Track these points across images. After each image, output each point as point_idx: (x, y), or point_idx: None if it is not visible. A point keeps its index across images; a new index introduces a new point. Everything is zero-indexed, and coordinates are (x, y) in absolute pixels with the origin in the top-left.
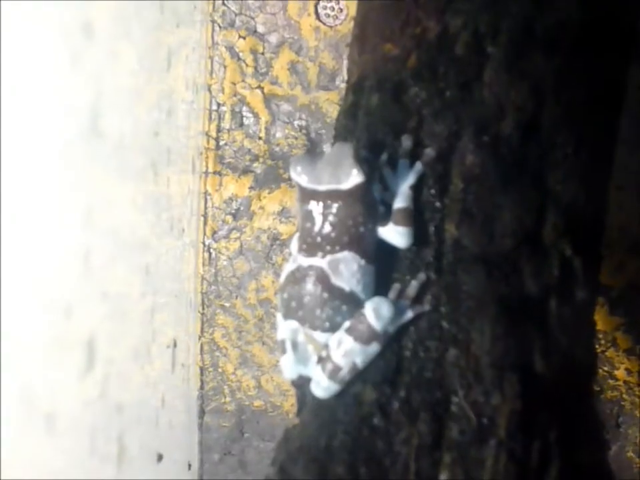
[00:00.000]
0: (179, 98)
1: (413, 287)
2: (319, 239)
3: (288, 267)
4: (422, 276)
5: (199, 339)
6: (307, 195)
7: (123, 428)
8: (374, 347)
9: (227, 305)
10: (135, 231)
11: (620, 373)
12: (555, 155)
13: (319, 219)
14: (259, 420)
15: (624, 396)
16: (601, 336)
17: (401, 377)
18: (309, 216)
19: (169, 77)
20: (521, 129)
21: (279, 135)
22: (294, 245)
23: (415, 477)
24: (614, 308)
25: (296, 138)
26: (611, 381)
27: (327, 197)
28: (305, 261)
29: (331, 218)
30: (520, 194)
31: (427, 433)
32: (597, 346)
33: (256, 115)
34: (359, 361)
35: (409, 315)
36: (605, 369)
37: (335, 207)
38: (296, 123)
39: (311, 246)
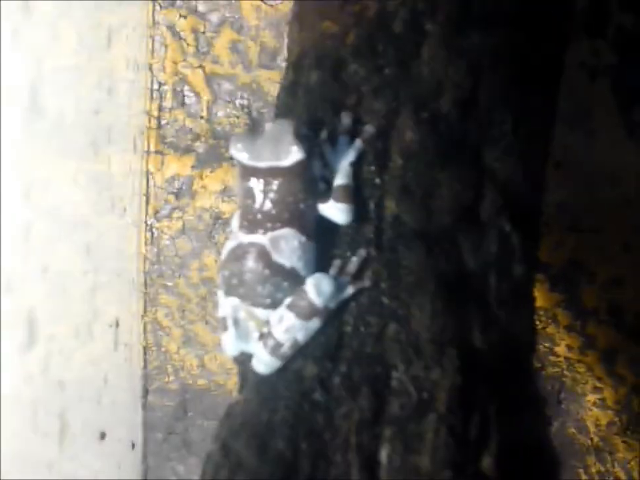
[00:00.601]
0: (119, 77)
1: (354, 263)
2: (259, 216)
3: (229, 244)
4: (362, 252)
5: (142, 318)
6: (247, 172)
7: (65, 405)
8: (315, 323)
9: (170, 284)
10: (75, 209)
11: (561, 349)
12: (493, 132)
13: (259, 196)
14: (202, 399)
15: (565, 372)
16: (541, 312)
17: (341, 352)
18: (249, 193)
19: (110, 55)
20: (459, 106)
21: (220, 114)
22: (235, 221)
23: (355, 451)
24: (554, 285)
25: (237, 117)
26: (551, 357)
27: (267, 174)
28: (246, 238)
29: (271, 195)
30: (458, 170)
31: (367, 407)
32: (537, 322)
33: (197, 94)
34: (300, 337)
35: (350, 290)
36: (546, 345)
37: (275, 184)
38: (237, 102)
39: (251, 223)
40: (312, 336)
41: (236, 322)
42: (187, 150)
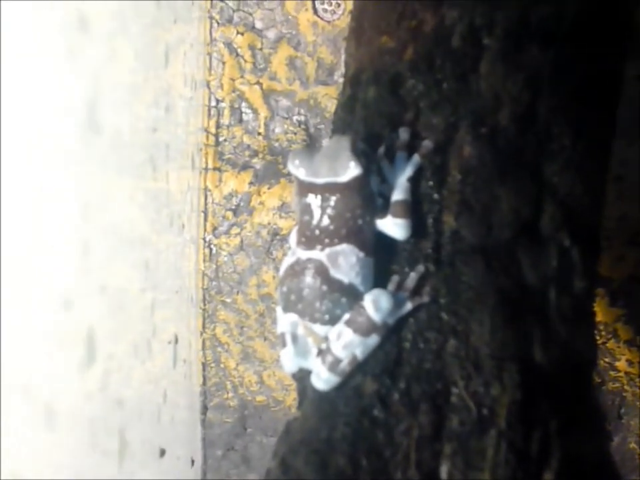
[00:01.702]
0: (177, 94)
1: (412, 278)
2: (317, 232)
3: (287, 260)
4: (420, 268)
5: (201, 334)
6: (305, 188)
7: (124, 423)
8: (373, 339)
9: (228, 300)
10: (134, 226)
11: (621, 364)
12: (552, 146)
13: (317, 212)
14: (261, 415)
15: (625, 387)
16: (601, 327)
17: (400, 368)
18: (307, 209)
19: (167, 73)
20: (518, 121)
21: (278, 130)
22: (293, 238)
23: (415, 468)
24: (614, 299)
25: (295, 133)
26: (612, 373)
27: (325, 189)
28: (304, 254)
29: (329, 211)
30: (517, 185)
31: (427, 424)
32: (597, 337)
33: (255, 111)
34: (359, 353)
35: (408, 306)
36: (606, 360)
37: (333, 199)
38: (295, 118)
39: (309, 239)
40: (371, 352)
41: (294, 338)
42: (245, 166)
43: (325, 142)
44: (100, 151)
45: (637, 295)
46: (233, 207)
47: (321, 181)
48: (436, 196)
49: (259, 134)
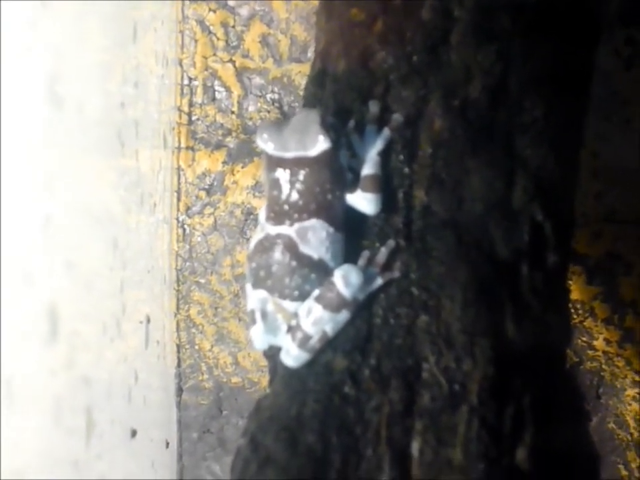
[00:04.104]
0: (147, 72)
1: (382, 253)
2: (286, 207)
3: (256, 236)
4: (391, 243)
5: (175, 316)
6: (274, 163)
7: (92, 402)
8: (344, 315)
9: (202, 281)
10: (101, 203)
11: (599, 343)
12: (523, 119)
13: (286, 187)
14: (237, 397)
15: (603, 367)
16: (578, 306)
17: (371, 344)
18: (276, 184)
19: (136, 50)
20: (489, 93)
21: (251, 108)
22: (262, 213)
23: (386, 444)
24: (591, 277)
25: (269, 111)
26: (589, 352)
27: (294, 164)
28: (273, 230)
29: (298, 185)
30: (489, 158)
31: (398, 400)
32: (574, 316)
33: (228, 89)
34: (329, 329)
35: (379, 282)
36: (584, 339)
37: (302, 174)
38: (268, 96)
39: (278, 214)
40: (341, 328)
41: (264, 315)
42: (218, 145)
43: (294, 116)
44: (65, 125)
45: (614, 273)
46: (207, 187)
47: (289, 155)
48: (406, 170)
49: (232, 112)
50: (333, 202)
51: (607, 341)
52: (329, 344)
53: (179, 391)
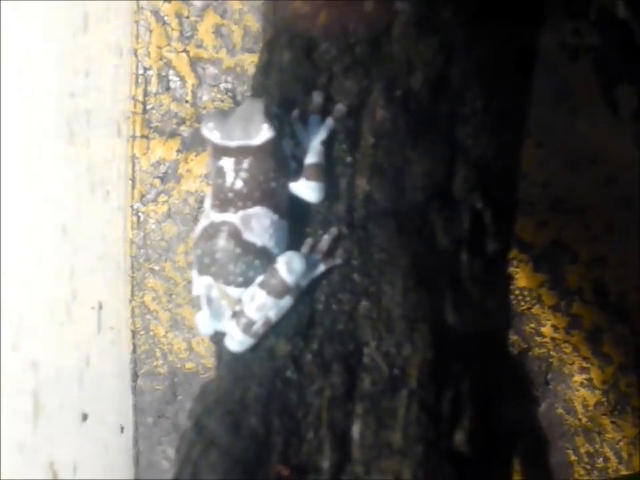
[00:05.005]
0: (101, 61)
1: (325, 240)
2: (230, 195)
3: (201, 223)
4: (334, 230)
5: (130, 302)
6: (219, 151)
7: (40, 385)
8: (287, 301)
9: (157, 268)
10: (48, 188)
11: (546, 329)
12: (465, 110)
13: (230, 175)
14: (191, 382)
15: (551, 353)
16: (525, 293)
17: (313, 329)
18: (220, 172)
19: (88, 40)
20: (431, 84)
21: (205, 98)
22: (207, 201)
23: (327, 427)
24: (538, 265)
25: (222, 101)
26: (537, 338)
27: (238, 152)
28: (218, 217)
29: (242, 174)
30: (430, 148)
31: (339, 384)
32: (522, 303)
33: (182, 79)
34: (272, 315)
35: (321, 268)
36: (532, 325)
37: (246, 162)
38: (222, 85)
39: (223, 202)
40: (284, 314)
41: (209, 301)
42: (172, 134)
43: (239, 105)
44: (16, 113)
45: (560, 261)
46: (161, 175)
47: (234, 143)
48: (349, 159)
49: (186, 102)
50: (276, 190)
51: (555, 328)
52: (273, 329)
53: (134, 376)
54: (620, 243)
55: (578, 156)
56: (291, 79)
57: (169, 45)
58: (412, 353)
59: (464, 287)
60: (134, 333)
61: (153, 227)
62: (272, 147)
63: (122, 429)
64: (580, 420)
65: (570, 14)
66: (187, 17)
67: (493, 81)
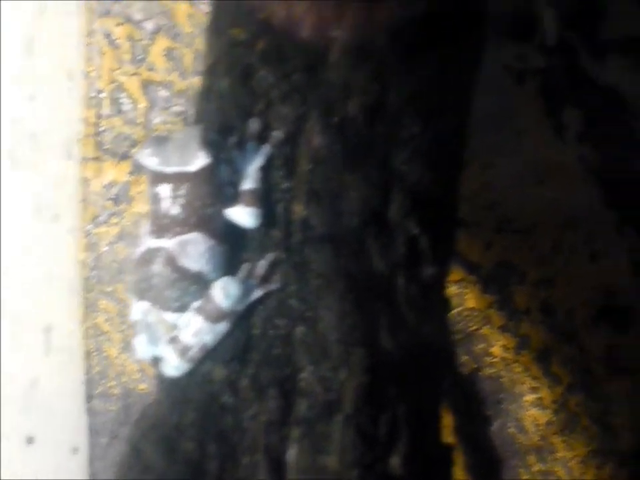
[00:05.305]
0: (49, 84)
1: (262, 266)
2: (167, 221)
3: (138, 249)
4: (270, 255)
5: (82, 323)
6: (156, 178)
7: None
8: (223, 326)
9: (109, 289)
10: None
11: (496, 349)
12: (402, 135)
13: (167, 201)
14: (144, 403)
15: (502, 373)
16: (475, 314)
17: (250, 354)
18: (157, 198)
19: (34, 61)
20: (367, 111)
21: (157, 120)
22: (145, 227)
23: (263, 452)
24: (486, 286)
25: (174, 123)
26: (487, 358)
27: (175, 178)
28: (154, 243)
29: (179, 200)
30: (366, 174)
31: (275, 408)
32: (470, 324)
33: (134, 101)
34: (209, 340)
35: (258, 293)
36: (481, 346)
37: (182, 188)
38: (173, 108)
39: (160, 228)
40: (220, 339)
41: (147, 326)
42: (124, 156)
43: (177, 132)
44: None
45: (508, 281)
46: (113, 197)
47: (171, 170)
48: (286, 185)
49: (138, 124)
50: (213, 216)
51: (505, 348)
52: (209, 354)
53: (89, 397)
54: (566, 263)
55: (524, 177)
56: (230, 106)
57: (120, 68)
58: (347, 377)
59: (400, 311)
60: (87, 355)
61: (105, 248)
62: (208, 174)
63: (74, 450)
64: (531, 439)
65: (515, 37)
66: (139, 40)
67: (431, 106)
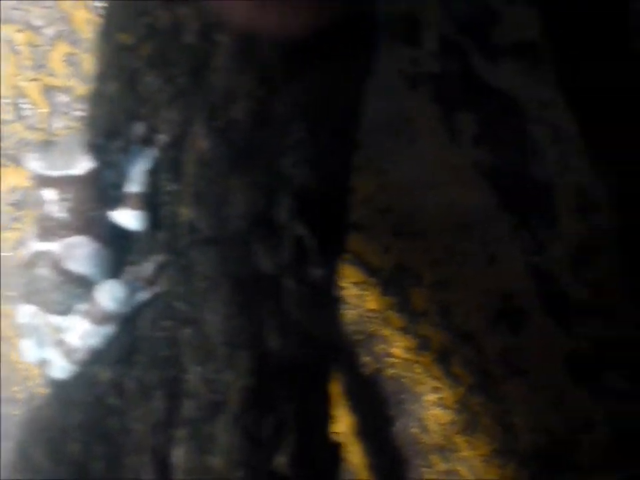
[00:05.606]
0: None
1: (147, 268)
2: (52, 224)
3: (24, 252)
4: (157, 258)
5: None
6: (41, 181)
7: None
8: (109, 328)
9: (11, 294)
10: None
11: (397, 350)
12: (289, 139)
13: (52, 205)
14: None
15: (403, 373)
16: (375, 315)
17: (136, 356)
18: (43, 201)
19: None
20: (253, 115)
21: (58, 125)
22: (30, 230)
23: (150, 453)
24: (385, 288)
25: (75, 128)
26: (389, 359)
27: (61, 182)
28: (40, 246)
29: (65, 203)
30: (252, 177)
31: (161, 410)
32: (370, 324)
33: (35, 107)
34: (95, 342)
35: (144, 296)
36: (382, 347)
37: (68, 192)
38: (74, 113)
39: (45, 231)
40: (106, 341)
41: (33, 328)
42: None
43: (63, 136)
44: None
45: (406, 284)
46: (15, 202)
47: (56, 173)
48: (172, 188)
49: (40, 129)
50: (99, 219)
51: (406, 349)
52: (95, 357)
53: None
54: (460, 265)
55: (419, 181)
56: (118, 110)
57: (21, 74)
58: (233, 378)
59: (288, 313)
60: None
61: (7, 253)
62: (93, 177)
63: None
64: (434, 438)
65: (408, 42)
66: (39, 46)
67: (319, 112)
